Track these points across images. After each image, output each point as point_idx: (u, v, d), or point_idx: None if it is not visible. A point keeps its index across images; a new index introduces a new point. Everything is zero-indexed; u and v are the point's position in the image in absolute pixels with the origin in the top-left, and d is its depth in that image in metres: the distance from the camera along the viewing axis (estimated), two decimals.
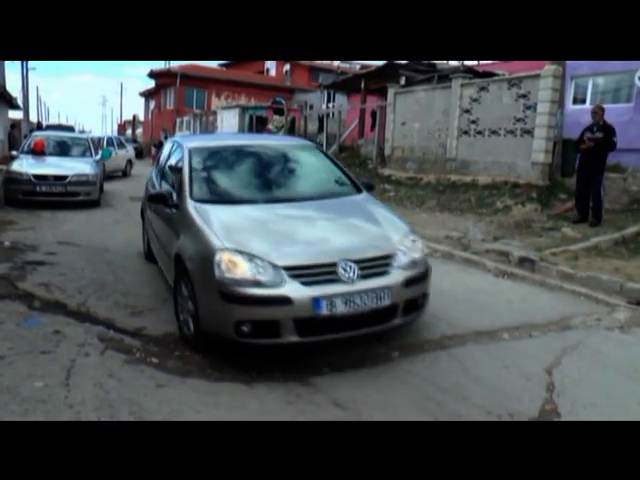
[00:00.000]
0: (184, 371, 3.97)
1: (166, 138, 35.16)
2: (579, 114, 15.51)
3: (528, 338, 4.81)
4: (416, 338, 4.69)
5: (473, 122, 13.46)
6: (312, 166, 5.77)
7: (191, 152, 5.36)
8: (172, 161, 5.95)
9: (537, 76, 11.67)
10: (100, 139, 21.29)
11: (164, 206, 5.17)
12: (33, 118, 44.76)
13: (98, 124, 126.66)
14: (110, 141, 21.83)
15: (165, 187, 5.86)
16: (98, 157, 13.75)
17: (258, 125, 26.69)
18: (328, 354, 4.27)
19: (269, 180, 5.33)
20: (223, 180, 5.25)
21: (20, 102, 29.84)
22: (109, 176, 19.65)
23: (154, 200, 5.47)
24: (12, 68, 38.03)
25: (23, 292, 5.58)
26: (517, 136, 12.20)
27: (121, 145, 22.73)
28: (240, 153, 5.61)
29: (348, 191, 5.42)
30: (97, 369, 3.89)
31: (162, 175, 6.37)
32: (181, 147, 5.67)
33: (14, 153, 13.44)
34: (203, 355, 4.20)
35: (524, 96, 12.00)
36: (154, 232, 6.13)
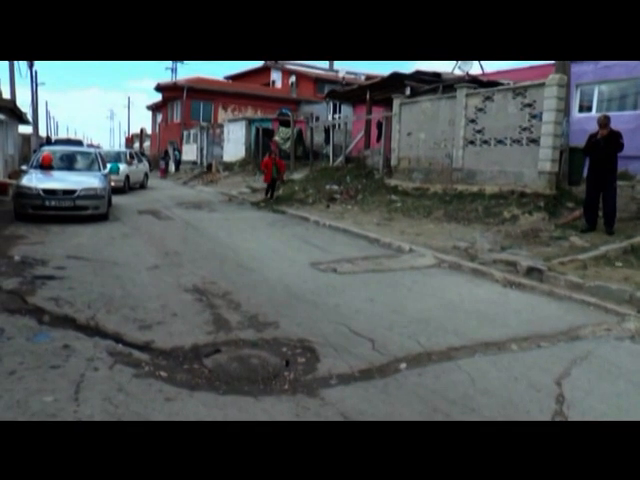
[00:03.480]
0: (193, 384, 3.97)
1: (174, 150, 35.57)
2: (585, 122, 15.53)
3: (537, 349, 4.79)
4: (424, 349, 4.68)
5: (479, 132, 13.47)
6: None
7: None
8: None
9: (542, 85, 11.68)
10: (126, 153, 22.86)
11: None
12: (42, 132, 45.18)
13: (106, 137, 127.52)
14: (132, 155, 22.86)
15: None
16: (106, 171, 13.85)
17: (265, 137, 26.81)
18: (336, 367, 4.27)
19: None
20: None
21: (30, 117, 30.10)
22: (131, 187, 20.30)
23: None
24: (22, 83, 38.43)
25: (33, 306, 5.60)
26: (523, 145, 12.20)
27: (139, 159, 23.79)
28: None
29: None
30: (106, 383, 3.90)
31: None
32: None
33: (24, 168, 13.57)
34: (212, 368, 4.21)
35: (529, 105, 12.01)
36: None
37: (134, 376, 4.06)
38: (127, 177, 20.21)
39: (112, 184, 17.39)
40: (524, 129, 12.16)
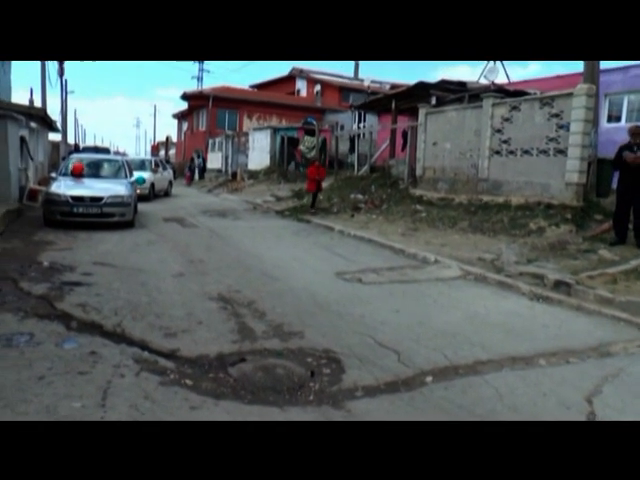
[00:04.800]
0: (218, 393, 3.98)
1: (198, 157, 35.89)
2: (614, 132, 15.35)
3: (566, 365, 4.71)
4: (450, 362, 4.63)
5: (505, 142, 13.36)
6: None
7: None
8: None
9: (570, 95, 11.55)
10: (151, 161, 23.11)
11: None
12: (70, 140, 45.94)
13: (132, 145, 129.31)
14: (157, 163, 23.11)
15: None
16: (133, 179, 14.02)
17: (289, 146, 26.91)
18: (362, 378, 4.25)
19: None
20: None
21: (59, 125, 30.65)
22: (156, 195, 20.55)
23: None
24: (52, 93, 39.18)
25: (61, 312, 5.67)
26: (550, 156, 12.06)
27: (164, 166, 24.04)
28: None
29: None
30: (132, 390, 3.92)
31: None
32: None
33: (53, 175, 13.83)
34: (237, 377, 4.22)
35: (557, 115, 11.88)
36: None
37: (160, 384, 4.09)
38: (152, 185, 20.38)
39: (137, 191, 17.66)
40: (551, 139, 12.02)
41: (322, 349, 4.89)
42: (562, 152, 11.70)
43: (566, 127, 11.62)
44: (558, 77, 19.34)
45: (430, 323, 5.74)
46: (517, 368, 4.60)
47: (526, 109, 12.80)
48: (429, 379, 4.32)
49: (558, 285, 7.07)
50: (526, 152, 12.73)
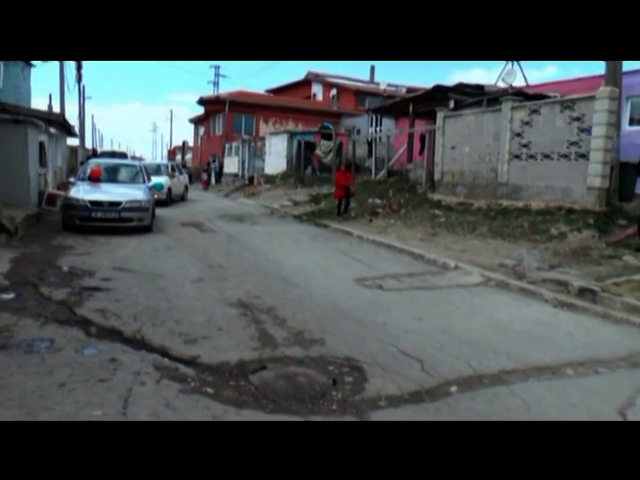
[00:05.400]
0: (239, 402, 3.92)
1: (215, 162, 36.02)
2: (636, 135, 15.13)
3: (594, 375, 4.59)
4: (475, 372, 4.54)
5: (525, 146, 13.22)
6: None
7: None
8: None
9: (592, 98, 11.40)
10: (167, 165, 23.07)
11: None
12: (88, 144, 46.35)
13: (148, 150, 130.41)
14: (173, 167, 23.17)
15: None
16: (151, 184, 14.07)
17: (306, 150, 26.89)
18: (385, 388, 4.17)
19: None
20: None
21: (77, 130, 30.92)
22: (173, 200, 20.59)
23: None
24: (70, 99, 39.57)
25: (81, 318, 5.66)
26: (571, 160, 11.91)
27: (180, 171, 24.11)
28: None
29: None
30: (153, 398, 3.88)
31: None
32: None
33: (72, 180, 13.92)
34: (258, 385, 4.16)
35: (578, 119, 11.74)
36: None
37: (180, 392, 4.04)
38: (170, 190, 20.44)
39: (155, 197, 17.71)
40: (572, 143, 11.87)
41: (344, 357, 4.82)
42: (584, 156, 11.55)
43: (588, 131, 11.47)
44: (578, 80, 19.11)
45: (453, 331, 5.65)
46: (544, 378, 4.49)
47: (546, 112, 12.66)
48: (454, 389, 4.23)
49: (583, 292, 6.93)
50: (546, 156, 12.58)
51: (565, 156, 12.07)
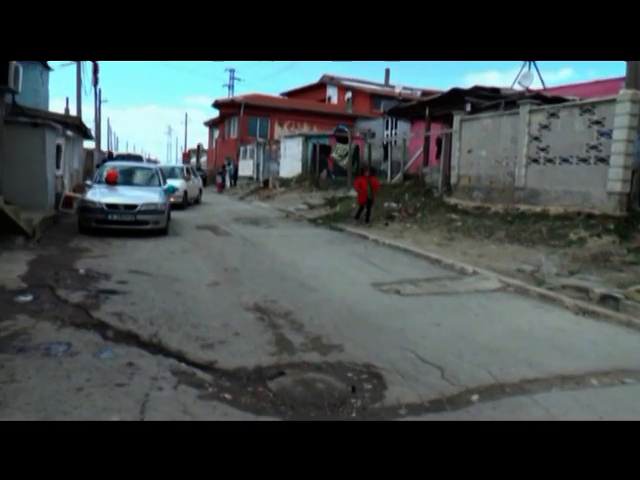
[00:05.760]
0: (258, 408, 3.87)
1: (229, 164, 36.10)
2: None
3: (621, 385, 4.47)
4: (496, 380, 4.45)
5: (543, 149, 13.08)
6: None
7: None
8: None
9: (612, 101, 11.24)
10: (182, 168, 23.09)
11: None
12: (104, 147, 46.72)
13: (163, 152, 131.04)
14: (188, 170, 23.26)
15: None
16: (166, 186, 14.10)
17: (321, 153, 26.84)
18: (405, 395, 4.09)
19: None
20: None
21: (93, 133, 31.15)
22: (188, 203, 20.61)
23: None
24: (86, 102, 39.95)
25: (97, 321, 5.65)
26: (591, 164, 11.75)
27: (194, 174, 24.22)
28: None
29: None
30: (171, 404, 3.84)
31: None
32: None
33: (88, 182, 13.99)
34: (276, 392, 4.11)
35: (598, 122, 11.57)
36: None
37: (198, 397, 4.00)
38: (185, 193, 20.45)
39: (172, 200, 17.74)
40: (592, 147, 11.71)
41: (362, 363, 4.75)
42: (603, 160, 11.39)
43: (608, 134, 11.31)
44: (597, 82, 18.92)
45: (472, 338, 5.56)
46: (567, 388, 4.39)
47: (565, 116, 12.51)
48: (475, 397, 4.14)
49: (605, 299, 6.80)
50: (565, 160, 12.43)
51: (584, 160, 11.91)
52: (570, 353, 5.19)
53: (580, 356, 5.11)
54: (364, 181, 15.04)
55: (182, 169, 22.74)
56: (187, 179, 21.50)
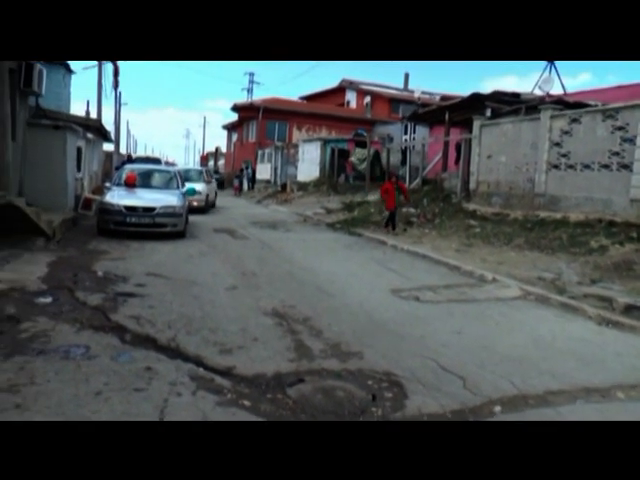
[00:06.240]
0: (277, 416, 3.82)
1: (247, 168, 36.22)
2: None
3: None
4: (519, 391, 4.36)
5: (563, 155, 12.93)
6: None
7: None
8: None
9: (637, 106, 11.07)
10: (202, 171, 23.25)
11: None
12: (122, 150, 47.12)
13: (181, 155, 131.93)
14: (207, 173, 23.39)
15: None
16: (185, 189, 14.15)
17: (339, 158, 26.78)
18: (426, 405, 4.03)
19: None
20: None
21: (112, 135, 31.41)
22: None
23: None
24: (107, 105, 40.36)
25: (115, 324, 5.64)
26: (613, 171, 11.58)
27: (210, 177, 24.40)
28: None
29: None
30: (190, 410, 3.80)
31: None
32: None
33: (107, 185, 14.09)
34: (296, 399, 4.07)
35: (621, 128, 11.40)
36: None
37: (217, 404, 3.96)
38: (207, 196, 20.30)
39: (195, 204, 17.83)
40: (614, 153, 11.54)
41: (382, 371, 4.69)
42: (626, 167, 11.22)
43: (631, 140, 11.15)
44: (620, 87, 18.65)
45: (494, 347, 5.47)
46: (592, 401, 4.28)
47: (587, 121, 12.35)
48: (498, 409, 4.06)
49: (629, 309, 6.66)
50: (586, 166, 12.27)
51: (606, 166, 11.74)
52: (594, 365, 5.08)
53: (605, 368, 4.99)
54: (391, 186, 14.47)
55: (202, 172, 22.75)
56: (209, 182, 21.46)
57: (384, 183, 15.76)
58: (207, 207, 19.98)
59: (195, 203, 18.37)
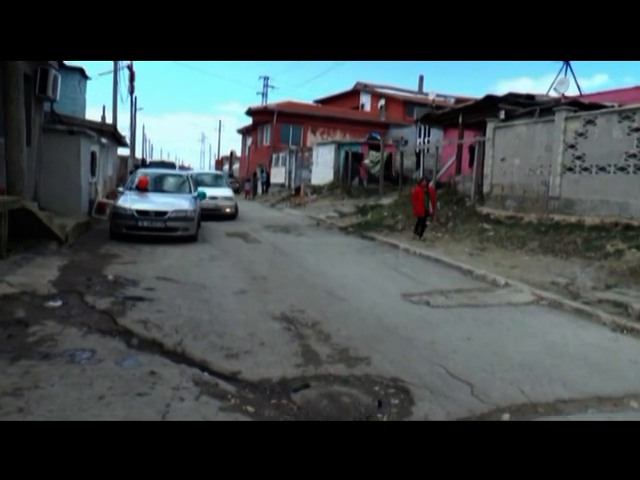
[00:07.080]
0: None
1: (262, 172, 36.27)
2: None
3: None
4: (528, 399, 4.27)
5: (578, 158, 12.74)
6: None
7: None
8: None
9: None
10: (225, 175, 23.48)
11: None
12: (138, 154, 47.45)
13: (196, 159, 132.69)
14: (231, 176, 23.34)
15: None
16: (196, 193, 14.18)
17: (354, 161, 26.71)
18: (433, 412, 3.95)
19: None
20: None
21: (128, 140, 31.65)
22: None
23: None
24: (123, 110, 40.74)
25: (122, 328, 5.63)
26: (630, 173, 11.39)
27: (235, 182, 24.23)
28: None
29: None
30: (192, 416, 3.76)
31: None
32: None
33: (120, 189, 14.16)
34: (300, 405, 4.01)
35: (638, 129, 11.21)
36: None
37: (220, 409, 3.92)
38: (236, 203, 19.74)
39: (227, 211, 17.91)
40: (631, 156, 11.35)
41: (390, 377, 4.62)
42: None
43: None
44: (638, 88, 18.38)
45: (504, 353, 5.37)
46: (605, 410, 4.17)
47: (603, 123, 12.17)
48: (506, 417, 3.98)
49: None
50: (602, 169, 12.08)
51: (623, 169, 11.55)
52: (607, 372, 4.96)
53: (619, 376, 4.87)
54: (421, 191, 13.77)
55: (223, 177, 22.43)
56: (234, 188, 21.05)
57: (414, 187, 14.91)
58: (236, 213, 19.31)
59: (228, 210, 18.34)
